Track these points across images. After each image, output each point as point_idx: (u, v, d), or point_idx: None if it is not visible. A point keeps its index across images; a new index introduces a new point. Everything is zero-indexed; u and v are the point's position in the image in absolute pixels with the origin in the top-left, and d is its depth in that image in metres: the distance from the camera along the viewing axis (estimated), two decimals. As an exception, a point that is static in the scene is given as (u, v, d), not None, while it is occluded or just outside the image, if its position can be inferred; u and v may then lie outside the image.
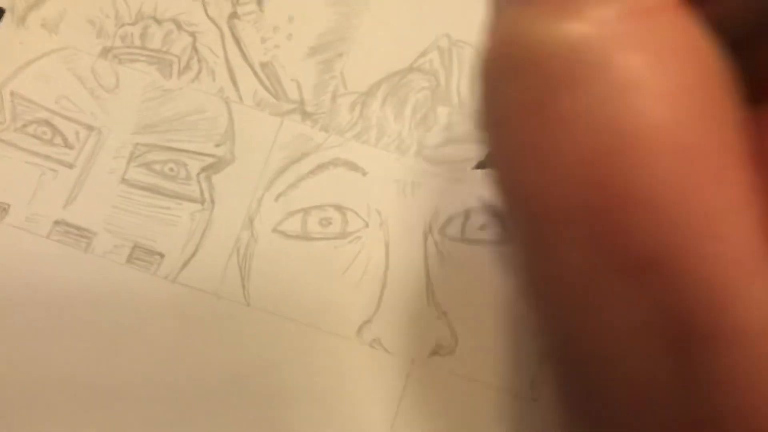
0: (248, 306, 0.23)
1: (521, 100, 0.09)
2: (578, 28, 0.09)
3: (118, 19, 0.25)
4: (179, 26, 0.25)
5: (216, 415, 0.22)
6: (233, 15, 0.25)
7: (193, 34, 0.25)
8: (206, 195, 0.24)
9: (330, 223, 0.23)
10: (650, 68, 0.09)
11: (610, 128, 0.09)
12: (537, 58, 0.09)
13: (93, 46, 0.25)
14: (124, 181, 0.24)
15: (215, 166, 0.24)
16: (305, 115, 0.24)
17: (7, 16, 0.25)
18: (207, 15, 0.25)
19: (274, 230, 0.23)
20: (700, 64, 0.09)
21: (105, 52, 0.25)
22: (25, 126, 0.24)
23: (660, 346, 0.09)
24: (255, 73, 0.25)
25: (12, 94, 0.24)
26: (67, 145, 0.24)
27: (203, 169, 0.24)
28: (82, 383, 0.22)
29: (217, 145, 0.24)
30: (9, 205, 0.23)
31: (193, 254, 0.23)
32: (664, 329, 0.09)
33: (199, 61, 0.25)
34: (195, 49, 0.25)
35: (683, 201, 0.08)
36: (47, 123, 0.24)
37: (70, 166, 0.24)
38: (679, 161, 0.08)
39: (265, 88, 0.25)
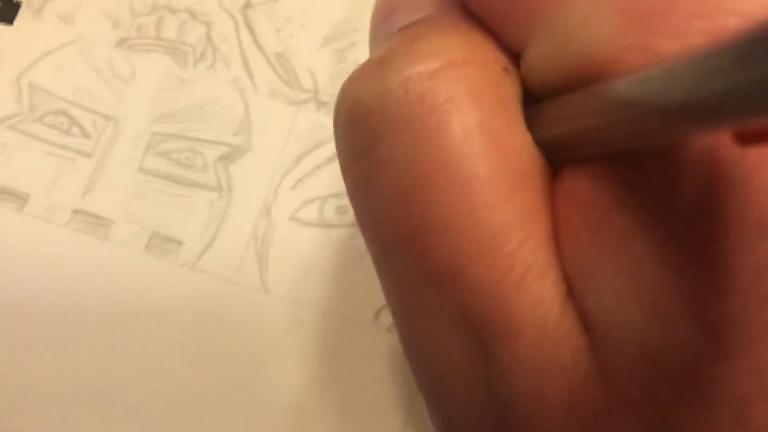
0: (266, 293, 0.23)
1: (352, 150, 0.11)
2: (389, 87, 0.11)
3: (134, 10, 0.25)
4: (194, 16, 0.25)
5: (234, 400, 0.22)
6: (247, 5, 0.25)
7: (207, 24, 0.25)
8: (223, 183, 0.24)
9: (346, 211, 0.24)
10: (446, 113, 0.10)
11: (409, 167, 0.10)
12: (360, 114, 0.11)
13: (109, 37, 0.25)
14: (141, 169, 0.24)
15: (232, 154, 0.24)
16: (320, 104, 0.25)
17: (24, 8, 0.25)
18: (221, 5, 0.25)
19: (292, 218, 0.24)
20: (495, 108, 0.11)
21: (121, 42, 0.25)
22: (42, 117, 0.24)
23: (468, 342, 0.11)
24: (269, 63, 0.25)
25: (30, 85, 0.24)
26: (85, 135, 0.24)
27: (220, 158, 0.24)
28: (101, 371, 0.22)
29: (234, 134, 0.24)
30: (29, 195, 0.24)
31: (211, 242, 0.23)
32: (465, 328, 0.11)
33: (213, 50, 0.25)
34: (209, 39, 0.25)
35: (468, 221, 0.10)
36: (65, 113, 0.24)
37: (88, 155, 0.24)
38: (468, 188, 0.10)
39: (280, 77, 0.25)
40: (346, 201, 0.24)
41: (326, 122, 0.24)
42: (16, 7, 0.25)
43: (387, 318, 0.23)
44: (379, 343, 0.23)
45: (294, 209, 0.24)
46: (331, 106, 0.24)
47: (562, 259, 0.10)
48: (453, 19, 0.11)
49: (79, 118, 0.24)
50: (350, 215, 0.24)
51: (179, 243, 0.23)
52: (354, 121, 0.11)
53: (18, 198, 0.24)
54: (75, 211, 0.24)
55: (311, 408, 0.22)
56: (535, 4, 0.10)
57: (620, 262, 0.10)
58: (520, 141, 0.11)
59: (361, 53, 0.25)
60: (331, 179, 0.24)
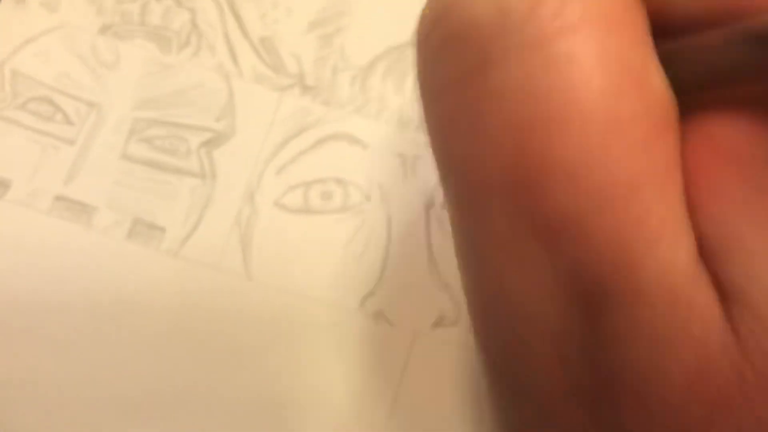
0: (250, 280, 0.23)
1: (454, 72, 0.10)
2: (511, 3, 0.09)
3: (117, -4, 0.25)
4: (178, 2, 0.25)
5: (218, 389, 0.22)
6: (232, -9, 0.25)
7: (192, 10, 0.25)
8: (207, 169, 0.24)
9: (331, 197, 0.23)
10: (581, 40, 0.09)
11: (537, 97, 0.09)
12: (470, 31, 0.09)
13: (93, 24, 0.25)
14: (124, 156, 0.24)
15: (215, 140, 0.24)
16: (305, 89, 0.24)
17: (6, -7, 0.25)
18: (206, -9, 0.25)
19: (276, 204, 0.23)
20: (632, 41, 0.09)
21: (105, 29, 0.25)
22: (25, 103, 0.24)
23: (572, 304, 0.09)
24: (254, 48, 0.25)
25: (12, 71, 0.24)
26: (68, 121, 0.24)
27: (203, 144, 0.24)
28: (82, 358, 0.22)
29: (217, 120, 0.24)
30: (10, 181, 0.23)
31: (195, 228, 0.23)
32: (572, 288, 0.09)
33: (198, 36, 0.25)
34: (194, 24, 0.25)
35: (602, 167, 0.09)
36: (48, 100, 0.24)
37: (71, 142, 0.24)
38: (604, 130, 0.09)
39: (265, 62, 0.25)
40: (330, 187, 0.23)
41: (311, 107, 0.24)
42: (0, -7, 0.25)
43: (372, 306, 0.23)
44: (365, 330, 0.22)
45: (278, 195, 0.23)
46: (317, 91, 0.24)
47: (697, 217, 0.09)
48: None
49: (62, 104, 0.24)
50: (335, 201, 0.23)
51: (162, 230, 0.23)
52: (461, 35, 0.09)
53: None
54: (57, 198, 0.23)
55: (296, 396, 0.22)
56: None
57: (764, 214, 0.08)
58: (657, 80, 0.09)
59: (348, 37, 0.25)
60: (315, 165, 0.24)
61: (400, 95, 0.24)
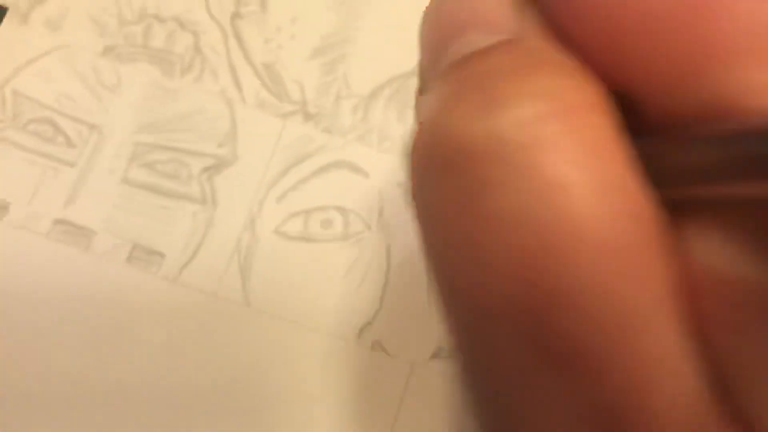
0: (249, 307, 0.23)
1: (450, 197, 0.09)
2: (503, 128, 0.09)
3: (121, 18, 0.25)
4: (182, 26, 0.25)
5: (215, 416, 0.22)
6: (236, 15, 0.25)
7: (195, 34, 0.25)
8: (208, 195, 0.24)
9: (332, 225, 0.23)
10: (574, 168, 0.09)
11: (535, 227, 0.09)
12: (464, 156, 0.09)
13: (95, 45, 0.25)
14: (125, 180, 0.24)
15: (217, 166, 0.24)
16: (308, 116, 0.24)
17: (9, 13, 0.25)
18: (210, 15, 0.25)
19: (276, 231, 0.23)
20: (622, 163, 0.09)
21: (107, 50, 0.25)
22: (26, 124, 0.24)
23: None
24: (257, 74, 0.25)
25: (14, 92, 0.24)
26: (69, 143, 0.24)
27: (205, 170, 0.24)
28: (79, 383, 0.22)
29: (219, 146, 0.24)
30: (9, 204, 0.23)
31: (194, 255, 0.23)
32: (590, 420, 0.09)
33: (201, 60, 0.25)
34: (197, 48, 0.25)
35: (606, 299, 0.09)
36: (49, 121, 0.24)
37: (72, 164, 0.24)
38: (602, 259, 0.09)
39: (268, 88, 0.25)
40: (331, 215, 0.23)
41: (313, 134, 0.24)
42: (2, 12, 0.25)
43: (370, 335, 0.23)
44: (363, 359, 0.23)
45: (279, 222, 0.23)
46: (319, 118, 0.24)
47: (708, 348, 0.09)
48: (546, 46, 0.10)
49: (63, 126, 0.24)
50: (335, 229, 0.23)
51: (161, 255, 0.23)
52: (453, 161, 0.09)
53: (-1, 206, 0.23)
54: (56, 221, 0.23)
55: (292, 425, 0.22)
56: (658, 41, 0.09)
57: None
58: (652, 204, 0.09)
59: (352, 65, 0.25)
60: (316, 192, 0.24)
61: (402, 124, 0.24)
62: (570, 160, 0.09)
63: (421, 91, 0.11)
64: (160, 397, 0.22)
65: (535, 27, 0.10)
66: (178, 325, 0.22)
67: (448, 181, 0.09)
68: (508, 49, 0.10)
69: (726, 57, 0.09)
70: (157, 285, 0.23)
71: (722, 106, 0.09)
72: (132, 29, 0.25)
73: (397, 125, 0.24)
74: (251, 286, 0.23)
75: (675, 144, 0.09)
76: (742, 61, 0.08)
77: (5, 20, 0.25)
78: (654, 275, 0.09)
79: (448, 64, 0.10)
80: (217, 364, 0.22)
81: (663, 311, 0.09)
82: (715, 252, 0.09)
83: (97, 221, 0.23)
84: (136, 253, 0.23)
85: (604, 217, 0.09)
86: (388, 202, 0.24)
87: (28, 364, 0.22)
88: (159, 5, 0.25)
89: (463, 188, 0.09)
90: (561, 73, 0.09)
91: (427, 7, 0.11)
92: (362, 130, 0.24)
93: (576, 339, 0.09)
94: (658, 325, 0.09)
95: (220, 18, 0.25)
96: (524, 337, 0.09)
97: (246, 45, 0.25)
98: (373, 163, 0.24)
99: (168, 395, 0.22)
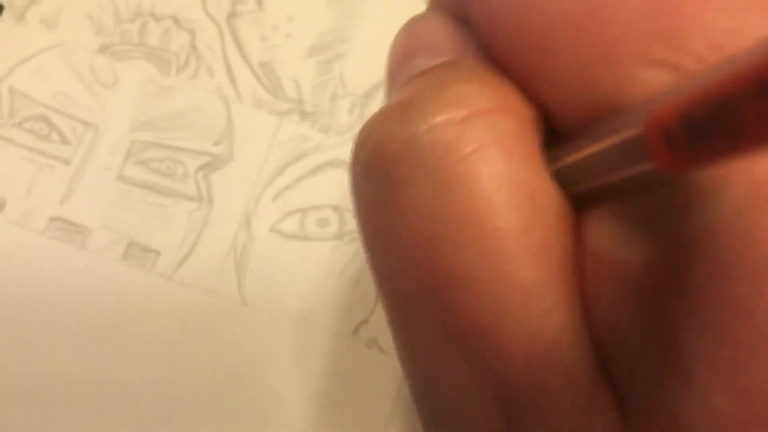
0: (244, 305, 0.23)
1: (371, 196, 0.11)
2: (415, 132, 0.10)
3: (117, 16, 0.25)
4: (178, 23, 0.25)
5: (210, 413, 0.22)
6: (233, 13, 0.25)
7: (191, 32, 0.25)
8: (204, 193, 0.24)
9: (327, 224, 0.23)
10: (478, 164, 0.10)
11: (437, 217, 0.10)
12: (382, 159, 0.10)
13: (91, 43, 0.25)
14: (120, 178, 0.24)
15: (213, 164, 0.24)
16: (304, 115, 0.24)
17: (6, 11, 0.25)
18: (206, 12, 0.25)
19: (272, 230, 0.23)
20: (525, 159, 0.10)
21: (103, 48, 0.25)
22: (22, 122, 0.24)
23: (485, 404, 0.10)
24: (254, 72, 0.25)
25: (10, 89, 0.24)
26: (64, 141, 0.24)
27: (201, 168, 0.24)
28: (76, 380, 0.22)
29: (216, 144, 0.24)
30: (5, 201, 0.23)
31: (190, 252, 0.23)
32: (488, 391, 0.10)
33: (197, 58, 0.25)
34: (193, 46, 0.25)
35: (498, 277, 0.10)
36: (44, 119, 0.24)
37: (67, 162, 0.24)
38: (498, 242, 0.10)
39: (264, 87, 0.25)
40: (327, 214, 0.24)
41: (309, 133, 0.24)
42: (-2, 9, 0.25)
43: (366, 332, 0.23)
44: (358, 357, 0.23)
45: (274, 221, 0.23)
46: (316, 117, 0.24)
47: (591, 323, 0.10)
48: (478, 65, 0.11)
49: (58, 123, 0.24)
50: (331, 228, 0.23)
51: (157, 253, 0.23)
52: (375, 165, 0.11)
53: (-6, 204, 0.23)
54: (52, 219, 0.23)
55: (288, 421, 0.22)
56: (572, 56, 0.10)
57: (651, 328, 0.09)
58: (550, 194, 0.10)
59: (348, 64, 0.25)
60: (312, 191, 0.24)
61: (398, 123, 0.24)
62: (473, 155, 0.10)
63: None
64: (156, 393, 0.22)
65: (475, 51, 0.11)
66: (173, 322, 0.23)
67: (371, 180, 0.11)
68: (442, 67, 0.11)
69: (610, 60, 0.10)
70: (152, 282, 0.23)
71: (610, 105, 0.09)
72: (128, 27, 0.25)
73: (392, 124, 0.24)
74: (247, 284, 0.23)
75: (573, 144, 0.10)
76: (623, 61, 0.09)
77: (1, 18, 0.25)
78: (552, 257, 0.10)
79: (395, 86, 0.12)
80: (213, 361, 0.22)
81: (558, 292, 0.10)
82: (605, 238, 0.10)
83: (93, 219, 0.23)
84: (131, 251, 0.23)
85: (499, 205, 0.10)
86: (384, 201, 0.24)
87: (24, 361, 0.22)
88: (155, 3, 0.25)
89: (382, 188, 0.10)
90: (479, 82, 0.11)
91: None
92: (358, 129, 0.24)
93: (475, 317, 0.10)
94: (553, 304, 0.10)
95: (216, 16, 0.25)
96: (429, 315, 0.10)
97: (242, 43, 0.25)
98: (368, 162, 0.24)
99: (164, 392, 0.22)
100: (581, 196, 0.10)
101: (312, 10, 0.25)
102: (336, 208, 0.24)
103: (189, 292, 0.23)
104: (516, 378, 0.10)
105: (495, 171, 0.10)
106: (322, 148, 0.24)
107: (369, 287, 0.23)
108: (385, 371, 0.23)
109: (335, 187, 0.24)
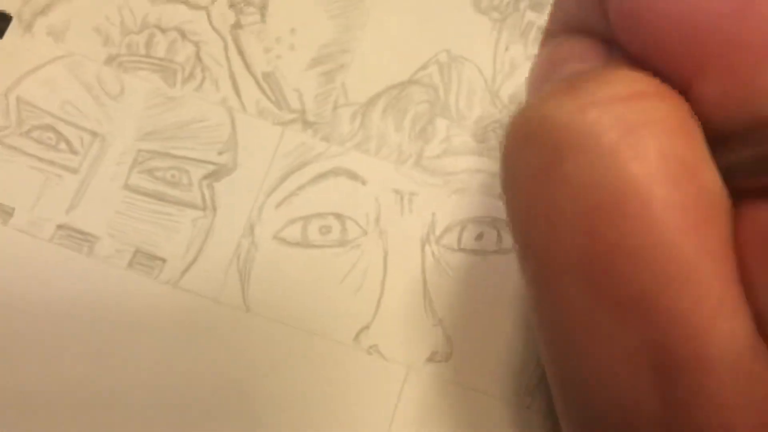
0: (248, 312, 0.23)
1: (531, 164, 0.11)
2: (583, 105, 0.11)
3: (124, 28, 0.25)
4: (183, 35, 0.25)
5: (214, 419, 0.22)
6: (236, 25, 0.26)
7: (196, 44, 0.25)
8: (208, 202, 0.24)
9: (330, 231, 0.24)
10: (644, 141, 0.10)
11: (599, 186, 0.10)
12: (547, 129, 0.11)
13: (98, 54, 0.25)
14: (127, 186, 0.24)
15: (217, 173, 0.24)
16: (306, 124, 0.25)
17: (14, 22, 0.25)
18: (211, 25, 0.26)
19: (275, 237, 0.24)
20: (689, 140, 0.11)
21: (110, 59, 0.25)
22: (29, 131, 0.24)
23: (641, 372, 0.10)
24: (257, 83, 0.25)
25: (18, 99, 0.25)
26: (72, 150, 0.24)
27: (205, 177, 0.24)
28: (81, 387, 0.22)
29: (220, 153, 0.24)
30: (13, 209, 0.24)
31: (194, 260, 0.24)
32: (644, 357, 0.10)
33: (202, 70, 0.25)
34: (199, 58, 0.25)
35: (661, 249, 0.10)
36: (52, 128, 0.24)
37: (74, 171, 0.24)
38: (661, 216, 0.10)
39: (268, 97, 0.25)
40: (329, 221, 0.24)
41: (312, 142, 0.25)
42: (6, 21, 0.25)
43: (367, 340, 0.23)
44: (359, 364, 0.23)
45: (277, 229, 0.24)
46: (318, 126, 0.25)
47: (752, 297, 0.10)
48: (629, 66, 0.12)
49: (66, 133, 0.24)
50: (333, 235, 0.24)
51: (162, 261, 0.23)
52: (539, 135, 0.11)
53: (2, 212, 0.24)
54: (59, 226, 0.24)
55: (290, 428, 0.22)
56: (712, 49, 0.10)
57: None
58: (711, 175, 0.11)
59: (350, 75, 0.25)
60: (315, 199, 0.24)
61: (400, 132, 0.25)
62: (639, 133, 0.10)
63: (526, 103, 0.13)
64: (160, 401, 0.22)
65: (620, 59, 0.12)
66: (178, 329, 0.23)
67: (534, 151, 0.11)
68: (597, 68, 0.12)
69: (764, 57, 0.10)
70: (158, 290, 0.23)
71: (764, 103, 0.10)
72: (134, 39, 0.25)
73: (394, 133, 0.25)
74: (250, 291, 0.23)
75: (730, 144, 0.11)
76: None
77: (9, 29, 0.25)
78: (712, 232, 0.10)
79: (553, 83, 0.12)
80: (217, 368, 0.23)
81: (718, 265, 0.10)
82: (764, 209, 0.10)
83: (100, 227, 0.24)
84: (137, 259, 0.23)
85: (663, 180, 0.10)
86: (385, 209, 0.24)
87: (30, 369, 0.22)
88: (161, 16, 0.26)
89: (545, 156, 0.11)
90: (638, 74, 0.11)
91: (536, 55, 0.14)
92: (360, 138, 0.25)
93: (637, 285, 0.10)
94: (714, 275, 0.10)
95: (220, 28, 0.26)
96: (587, 284, 0.10)
97: (246, 55, 0.25)
98: (370, 171, 0.24)
99: (168, 399, 0.22)
100: (740, 190, 0.11)
101: (314, 22, 0.26)
102: (338, 216, 0.24)
103: (193, 299, 0.23)
104: (676, 346, 0.10)
105: (661, 146, 0.10)
106: (324, 157, 0.24)
107: (371, 294, 0.23)
108: (387, 378, 0.23)
109: (337, 195, 0.24)
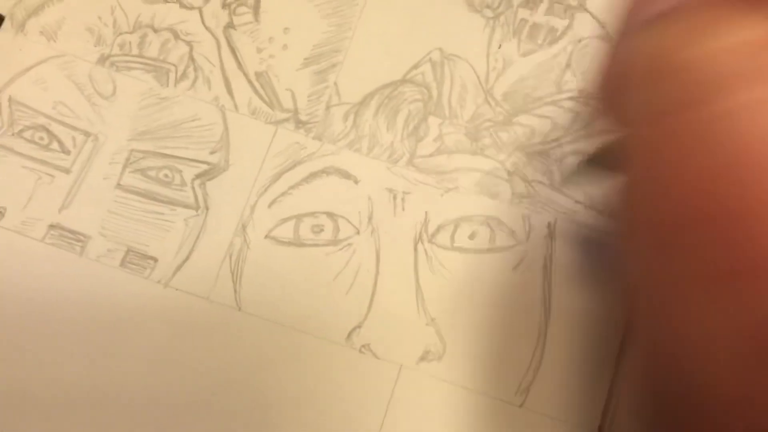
0: (240, 311, 0.23)
1: (666, 101, 0.10)
2: (725, 43, 0.10)
3: (117, 28, 0.25)
4: (176, 35, 0.25)
5: (206, 418, 0.22)
6: (229, 25, 0.26)
7: (189, 43, 0.25)
8: (200, 201, 0.24)
9: (322, 230, 0.24)
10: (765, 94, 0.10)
11: (729, 145, 0.09)
12: (688, 64, 0.10)
13: (91, 54, 0.25)
14: (119, 186, 0.24)
15: (210, 172, 0.24)
16: (299, 123, 0.25)
17: (6, 22, 0.25)
18: (204, 24, 0.26)
19: (267, 236, 0.24)
20: None
21: (103, 59, 0.25)
22: (22, 131, 0.24)
23: (743, 343, 0.09)
24: (250, 82, 0.25)
25: (10, 99, 0.25)
26: (64, 150, 0.24)
27: (198, 176, 0.24)
28: (74, 386, 0.22)
29: (212, 153, 0.24)
30: (5, 209, 0.24)
31: (186, 259, 0.23)
32: (753, 334, 0.09)
33: (195, 69, 0.25)
34: (191, 57, 0.25)
35: None
36: (44, 128, 0.24)
37: (67, 171, 0.24)
38: None
39: (260, 97, 0.25)
40: (321, 220, 0.24)
41: (304, 141, 0.25)
42: None
43: (359, 339, 0.23)
44: (351, 363, 0.23)
45: (269, 227, 0.24)
46: (311, 126, 0.25)
47: None
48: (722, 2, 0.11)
49: (58, 133, 0.24)
50: (325, 234, 0.24)
51: (154, 260, 0.23)
52: (679, 70, 0.10)
53: (-5, 212, 0.24)
54: (51, 226, 0.24)
55: (282, 426, 0.22)
56: None
57: None
58: None
59: (342, 74, 0.25)
60: (307, 198, 0.24)
61: (393, 131, 0.25)
62: (761, 86, 0.09)
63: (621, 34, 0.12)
64: (152, 398, 0.22)
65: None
66: (170, 328, 0.23)
67: (667, 86, 0.10)
68: (689, 7, 0.11)
69: None
70: (149, 289, 0.23)
71: None
72: (127, 39, 0.25)
73: (386, 133, 0.25)
74: (242, 290, 0.23)
75: None
76: None
77: (2, 29, 0.25)
78: None
79: (645, 19, 0.11)
80: (209, 366, 0.23)
81: None
82: None
83: (92, 226, 0.24)
84: (129, 258, 0.23)
85: None
86: (378, 208, 0.24)
87: (23, 366, 0.22)
88: (154, 16, 0.26)
89: (684, 92, 0.10)
90: (747, 17, 0.10)
91: None
92: (353, 137, 0.25)
93: (751, 252, 0.09)
94: None
95: (213, 28, 0.26)
96: (702, 248, 0.10)
97: (239, 54, 0.25)
98: (363, 170, 0.24)
99: (160, 397, 0.22)
100: None
101: (307, 22, 0.26)
102: (330, 215, 0.24)
103: (185, 298, 0.23)
104: None
105: None
106: (317, 156, 0.24)
107: (362, 293, 0.23)
108: (379, 377, 0.23)
109: (330, 194, 0.24)
